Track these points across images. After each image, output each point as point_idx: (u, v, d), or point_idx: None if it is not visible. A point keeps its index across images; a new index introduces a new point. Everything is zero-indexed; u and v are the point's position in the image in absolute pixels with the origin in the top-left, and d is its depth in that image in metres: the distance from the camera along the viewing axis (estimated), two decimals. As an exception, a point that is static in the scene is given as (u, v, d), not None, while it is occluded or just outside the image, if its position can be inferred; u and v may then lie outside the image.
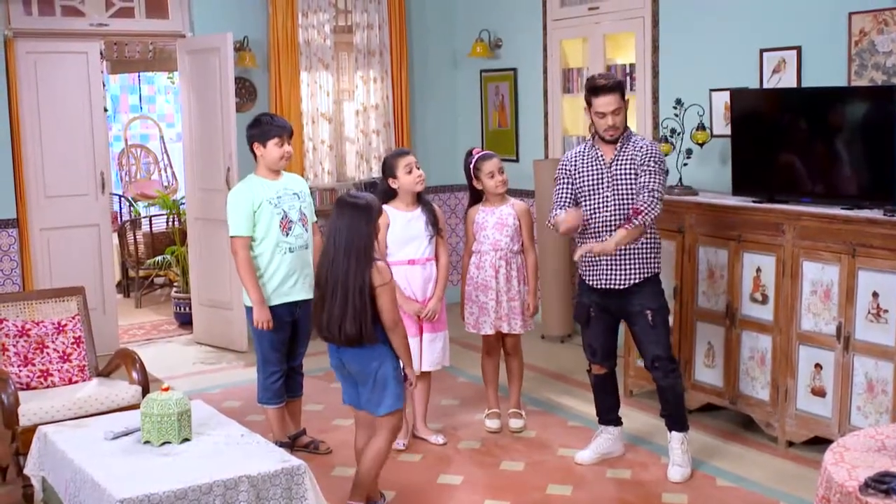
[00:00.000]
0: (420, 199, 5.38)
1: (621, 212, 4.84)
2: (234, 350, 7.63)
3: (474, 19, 8.62)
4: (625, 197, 4.85)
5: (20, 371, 5.18)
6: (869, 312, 4.86)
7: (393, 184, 5.30)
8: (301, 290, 5.19)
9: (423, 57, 8.93)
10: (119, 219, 11.03)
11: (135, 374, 5.22)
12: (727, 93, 6.05)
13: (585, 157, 4.97)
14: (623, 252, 4.83)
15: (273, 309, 5.14)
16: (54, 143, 7.50)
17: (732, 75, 6.21)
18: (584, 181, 4.94)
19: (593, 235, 4.90)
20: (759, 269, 5.39)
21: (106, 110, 8.69)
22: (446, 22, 8.95)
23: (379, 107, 8.63)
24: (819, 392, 5.11)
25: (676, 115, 6.18)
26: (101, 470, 3.75)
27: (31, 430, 4.57)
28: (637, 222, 4.71)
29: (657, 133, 6.74)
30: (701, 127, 6.15)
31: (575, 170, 4.97)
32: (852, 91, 5.46)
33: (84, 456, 3.92)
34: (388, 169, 5.34)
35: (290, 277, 5.16)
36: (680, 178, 6.12)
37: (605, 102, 4.80)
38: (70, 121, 7.58)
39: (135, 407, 4.83)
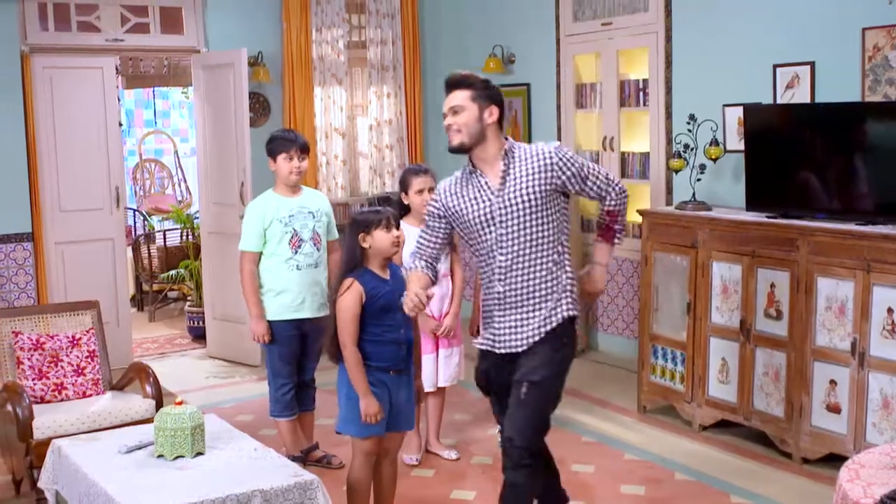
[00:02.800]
0: None
1: (526, 252, 3.81)
2: (247, 364, 7.64)
3: (487, 35, 8.64)
4: (527, 231, 3.80)
5: (35, 384, 5.20)
6: (884, 328, 4.84)
7: (405, 199, 5.31)
8: (309, 308, 5.19)
9: (437, 72, 8.96)
10: (133, 233, 11.07)
11: (148, 388, 5.23)
12: (740, 108, 6.04)
13: (465, 186, 3.92)
14: (527, 297, 3.85)
15: (280, 324, 5.15)
16: (70, 158, 7.54)
17: (746, 91, 6.21)
18: (467, 217, 3.89)
19: (493, 294, 3.90)
20: (773, 285, 5.37)
21: (121, 125, 8.73)
22: (459, 37, 8.97)
23: (392, 122, 8.66)
24: (834, 408, 5.09)
25: (690, 131, 6.18)
26: (115, 484, 3.75)
27: (45, 443, 4.58)
28: (619, 227, 4.02)
29: (671, 148, 6.74)
30: (714, 142, 6.15)
31: (453, 204, 3.94)
32: (866, 106, 5.45)
33: (98, 469, 3.92)
34: (403, 184, 5.35)
35: (298, 295, 5.15)
36: (693, 194, 6.11)
37: (447, 101, 3.91)
38: (85, 135, 7.63)
39: (148, 421, 4.83)
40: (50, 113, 7.46)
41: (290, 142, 5.19)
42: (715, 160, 6.16)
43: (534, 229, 3.81)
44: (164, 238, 10.09)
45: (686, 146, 6.20)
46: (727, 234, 5.65)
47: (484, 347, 4.01)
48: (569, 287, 3.90)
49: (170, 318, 9.74)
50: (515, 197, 3.80)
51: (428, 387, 5.24)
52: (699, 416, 5.83)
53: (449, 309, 5.36)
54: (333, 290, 4.18)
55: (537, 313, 3.85)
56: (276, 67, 8.11)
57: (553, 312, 3.85)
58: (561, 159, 3.82)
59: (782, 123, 5.73)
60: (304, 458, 5.30)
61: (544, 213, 3.82)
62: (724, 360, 5.68)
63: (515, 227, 3.81)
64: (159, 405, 5.10)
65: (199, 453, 4.06)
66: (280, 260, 5.14)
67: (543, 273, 3.84)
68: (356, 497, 4.26)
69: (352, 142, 8.72)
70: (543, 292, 3.84)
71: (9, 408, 4.87)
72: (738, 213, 5.81)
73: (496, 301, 3.89)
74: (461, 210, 3.91)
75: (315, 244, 5.21)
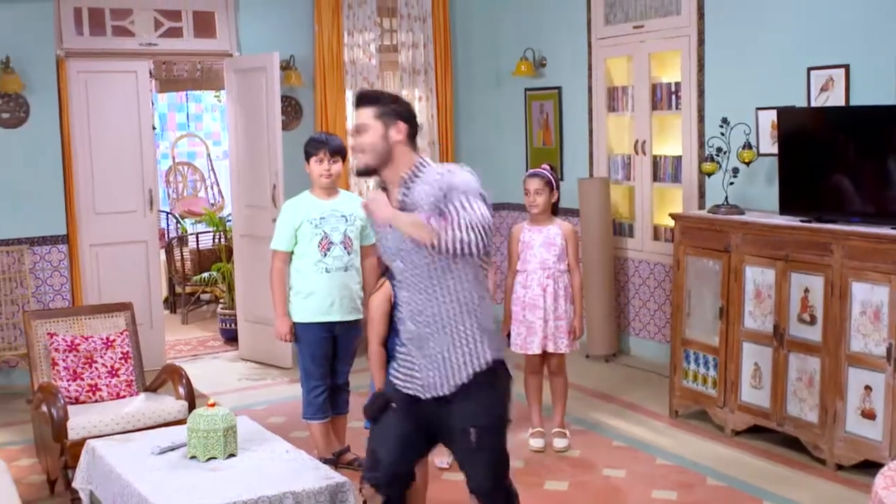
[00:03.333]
0: None
1: (429, 289, 3.41)
2: (278, 366, 7.67)
3: (519, 38, 8.63)
4: (425, 266, 3.39)
5: (69, 385, 5.25)
6: (920, 334, 4.79)
7: None
8: (339, 311, 5.18)
9: (468, 75, 8.96)
10: (166, 235, 11.15)
11: (181, 390, 5.26)
12: (774, 111, 6.00)
13: None
14: (443, 333, 3.42)
15: (309, 326, 5.16)
16: (104, 161, 7.62)
17: (779, 94, 6.17)
18: (379, 239, 3.62)
19: (405, 332, 3.56)
20: (807, 290, 5.33)
21: (154, 128, 8.81)
22: (491, 41, 8.97)
23: (423, 125, 8.66)
24: (869, 415, 5.04)
25: (723, 134, 6.15)
26: (148, 484, 3.78)
27: (80, 443, 4.62)
28: (433, 223, 3.22)
29: (703, 152, 6.70)
30: (747, 146, 6.11)
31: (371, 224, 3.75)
32: (902, 110, 5.40)
33: (131, 470, 3.95)
34: None
35: (326, 297, 5.15)
36: (726, 198, 6.08)
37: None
38: (119, 138, 7.70)
39: (181, 422, 4.87)
40: (85, 116, 7.53)
41: (321, 144, 5.18)
42: (748, 164, 6.12)
43: (433, 264, 3.37)
44: (197, 241, 10.15)
45: (719, 150, 6.16)
46: (760, 239, 5.61)
47: (400, 385, 3.58)
48: (483, 327, 3.47)
49: (202, 320, 9.80)
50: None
51: None
52: (731, 421, 5.80)
53: None
54: (369, 293, 4.20)
55: (458, 353, 3.44)
56: (307, 71, 8.15)
57: (477, 353, 3.45)
58: (444, 187, 3.30)
59: (816, 127, 5.69)
60: (336, 460, 5.31)
61: None
62: (757, 364, 5.64)
63: (412, 263, 3.42)
64: (192, 407, 5.13)
65: (232, 455, 4.08)
66: (309, 262, 5.15)
67: (455, 309, 3.41)
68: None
69: (383, 145, 8.73)
70: (459, 331, 3.43)
71: (44, 408, 4.93)
72: (771, 216, 5.77)
73: (408, 338, 3.53)
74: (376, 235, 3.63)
75: (346, 248, 5.19)
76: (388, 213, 3.31)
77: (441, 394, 3.47)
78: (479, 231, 3.18)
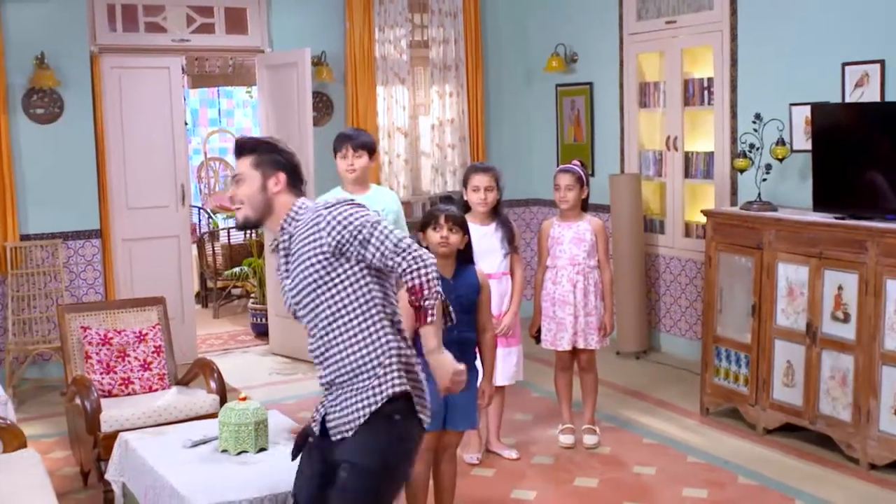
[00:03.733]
0: (496, 214, 5.33)
1: (328, 334, 3.20)
2: (309, 361, 7.69)
3: (550, 34, 8.61)
4: (319, 311, 3.19)
5: (102, 378, 5.30)
6: (956, 332, 4.74)
7: (465, 196, 5.32)
8: None
9: (499, 71, 8.95)
10: (198, 230, 11.22)
11: (213, 384, 5.29)
12: (808, 107, 5.95)
13: None
14: (345, 379, 3.23)
15: None
16: (137, 156, 7.67)
17: (813, 89, 6.11)
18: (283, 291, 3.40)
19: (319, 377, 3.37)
20: (840, 287, 5.28)
21: (186, 124, 8.85)
22: (522, 36, 8.96)
23: (454, 121, 8.67)
24: (903, 413, 4.99)
25: (755, 130, 6.10)
26: (180, 477, 3.80)
27: (113, 436, 4.66)
28: (429, 304, 3.11)
29: (736, 148, 6.66)
30: (781, 142, 6.06)
31: None
32: (939, 105, 5.34)
33: (163, 463, 3.98)
34: (464, 180, 5.36)
35: None
36: (759, 194, 6.04)
37: None
38: (152, 134, 7.75)
39: (212, 416, 4.90)
40: (118, 112, 7.59)
41: (345, 139, 5.18)
42: (781, 160, 6.08)
43: (326, 308, 3.17)
44: (228, 236, 10.21)
45: (751, 146, 6.12)
46: (793, 235, 5.56)
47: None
48: (393, 360, 3.20)
49: (233, 314, 9.86)
50: (296, 274, 3.21)
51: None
52: (763, 419, 5.76)
53: (508, 308, 5.35)
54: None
55: (358, 395, 3.20)
56: (339, 67, 8.17)
57: (375, 392, 3.18)
58: (331, 220, 3.13)
59: (851, 122, 5.63)
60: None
61: (332, 286, 3.16)
62: (790, 362, 5.60)
63: (307, 309, 3.21)
64: (223, 401, 5.15)
65: (263, 449, 4.10)
66: None
67: (355, 351, 3.19)
68: (413, 492, 4.27)
69: (414, 141, 8.75)
70: (360, 372, 3.19)
71: (77, 401, 4.97)
72: (804, 213, 5.72)
73: (321, 384, 3.34)
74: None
75: None
76: (444, 368, 3.20)
77: (342, 437, 3.21)
78: (416, 254, 3.08)
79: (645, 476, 5.23)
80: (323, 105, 8.19)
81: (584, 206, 5.61)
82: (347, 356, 3.20)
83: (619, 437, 5.84)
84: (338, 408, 3.23)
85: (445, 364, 3.19)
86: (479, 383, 4.33)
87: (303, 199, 3.31)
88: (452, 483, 4.42)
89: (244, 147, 3.34)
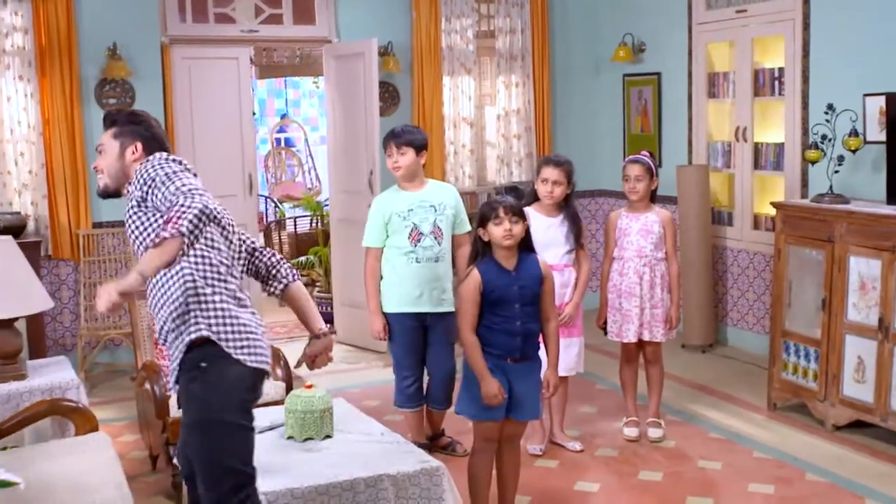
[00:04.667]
0: (564, 208, 5.28)
1: (156, 286, 3.38)
2: (374, 350, 7.74)
3: (618, 23, 8.54)
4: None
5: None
6: None
7: (536, 185, 5.30)
8: (428, 302, 5.18)
9: (566, 61, 8.90)
10: (265, 219, 11.34)
11: (279, 371, 5.34)
12: (883, 98, 5.82)
13: None
14: (165, 332, 3.37)
15: (399, 316, 5.19)
16: (205, 145, 7.77)
17: (888, 79, 5.97)
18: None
19: None
20: (914, 282, 5.17)
21: (254, 114, 8.95)
22: (589, 26, 8.89)
23: (520, 111, 8.64)
24: (978, 412, 4.88)
25: (828, 121, 5.99)
26: (247, 463, 3.84)
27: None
28: (164, 233, 3.00)
29: (807, 139, 6.54)
30: (854, 133, 5.94)
31: None
32: None
33: (231, 449, 4.02)
34: (537, 170, 5.35)
35: (416, 288, 5.15)
36: (830, 186, 5.93)
37: None
38: (221, 124, 7.85)
39: (279, 403, 4.94)
40: (188, 102, 7.69)
41: (390, 137, 5.20)
42: (854, 151, 5.96)
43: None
44: (295, 225, 10.31)
45: (823, 137, 6.01)
46: (866, 229, 5.45)
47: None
48: (202, 311, 3.29)
49: (299, 303, 9.92)
50: (126, 228, 3.42)
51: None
52: (832, 415, 5.66)
53: (570, 298, 5.31)
54: (460, 281, 4.22)
55: (172, 349, 3.36)
56: (405, 57, 8.18)
57: (182, 340, 3.30)
58: (138, 175, 3.31)
59: (927, 113, 5.51)
60: (430, 444, 5.34)
61: (145, 237, 3.30)
62: (861, 358, 5.49)
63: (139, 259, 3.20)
64: (289, 388, 5.20)
65: (328, 436, 4.14)
66: (400, 253, 5.17)
67: (167, 305, 3.31)
68: (475, 482, 4.28)
69: (479, 131, 8.74)
70: (176, 324, 3.30)
71: (147, 386, 5.05)
72: (878, 206, 5.60)
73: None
74: None
75: (436, 238, 5.18)
76: (119, 287, 2.97)
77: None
78: (189, 211, 3.02)
79: (710, 471, 5.18)
80: (389, 95, 8.21)
81: (653, 197, 5.56)
82: (166, 312, 3.32)
83: (685, 430, 5.78)
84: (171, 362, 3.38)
85: (117, 283, 3.00)
86: (542, 374, 4.31)
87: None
88: (515, 473, 4.41)
89: (106, 119, 3.51)
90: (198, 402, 3.29)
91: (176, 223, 2.98)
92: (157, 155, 3.38)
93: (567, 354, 5.33)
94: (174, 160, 3.35)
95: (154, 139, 3.47)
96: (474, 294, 4.10)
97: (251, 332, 3.36)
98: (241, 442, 3.37)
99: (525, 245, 4.21)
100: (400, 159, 5.16)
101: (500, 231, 4.10)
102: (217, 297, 3.33)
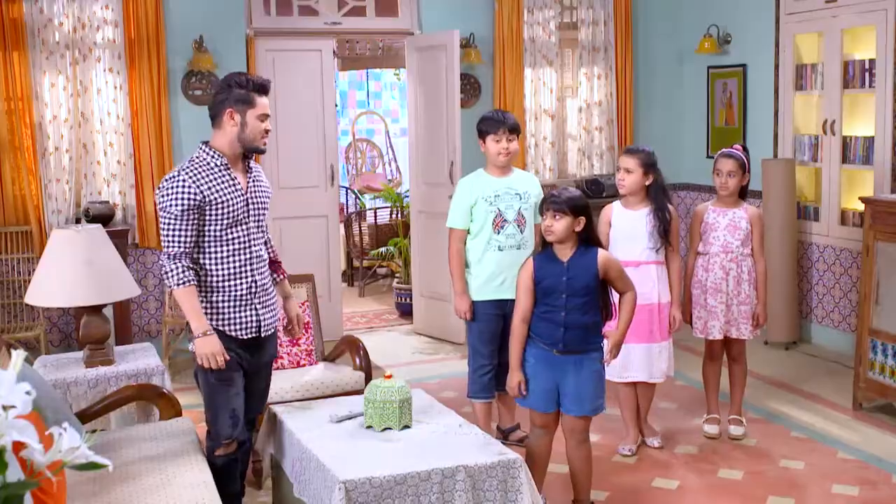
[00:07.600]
0: (651, 201, 5.14)
1: None
2: (452, 342, 7.77)
3: (702, 14, 8.41)
4: None
5: (253, 352, 5.45)
6: None
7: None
8: (510, 290, 5.12)
9: (649, 53, 8.80)
10: (345, 210, 11.43)
11: (358, 361, 5.38)
12: (979, 90, 5.65)
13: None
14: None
15: (480, 304, 5.18)
16: (288, 137, 7.86)
17: None
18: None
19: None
20: None
21: (336, 106, 9.02)
22: (673, 17, 8.77)
23: (602, 103, 8.57)
24: None
25: (921, 114, 5.83)
26: (326, 451, 3.89)
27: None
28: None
29: (898, 133, 6.38)
30: (948, 127, 5.77)
31: None
32: None
33: (310, 437, 4.08)
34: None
35: (498, 275, 5.13)
36: (922, 181, 5.77)
37: None
38: (303, 115, 7.93)
39: (358, 392, 4.99)
40: (271, 94, 7.66)
41: (498, 122, 5.17)
42: (948, 146, 5.79)
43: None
44: (375, 216, 10.37)
45: (916, 131, 5.85)
46: (959, 225, 5.30)
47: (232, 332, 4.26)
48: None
49: (378, 293, 10.02)
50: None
51: (643, 377, 5.21)
52: None
53: (670, 300, 5.22)
54: None
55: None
56: (487, 49, 8.17)
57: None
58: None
59: None
60: (506, 437, 5.33)
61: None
62: (952, 358, 5.34)
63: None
64: (368, 378, 5.24)
65: (406, 426, 4.15)
66: (483, 240, 5.16)
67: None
68: (532, 467, 4.27)
69: (561, 123, 8.69)
70: None
71: (230, 373, 5.13)
72: (972, 202, 5.44)
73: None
74: None
75: (519, 226, 5.18)
76: (199, 343, 4.19)
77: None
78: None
79: (792, 470, 5.08)
80: (470, 87, 8.21)
81: (743, 193, 5.44)
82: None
83: (766, 429, 5.69)
84: None
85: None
86: (604, 355, 4.31)
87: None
88: (584, 467, 4.39)
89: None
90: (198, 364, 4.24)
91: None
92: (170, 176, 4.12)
93: (660, 359, 5.23)
94: (173, 180, 4.05)
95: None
96: (527, 282, 4.23)
97: (232, 308, 4.22)
98: (224, 393, 4.19)
99: (586, 240, 4.19)
100: (510, 146, 5.16)
101: (543, 226, 4.20)
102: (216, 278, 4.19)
